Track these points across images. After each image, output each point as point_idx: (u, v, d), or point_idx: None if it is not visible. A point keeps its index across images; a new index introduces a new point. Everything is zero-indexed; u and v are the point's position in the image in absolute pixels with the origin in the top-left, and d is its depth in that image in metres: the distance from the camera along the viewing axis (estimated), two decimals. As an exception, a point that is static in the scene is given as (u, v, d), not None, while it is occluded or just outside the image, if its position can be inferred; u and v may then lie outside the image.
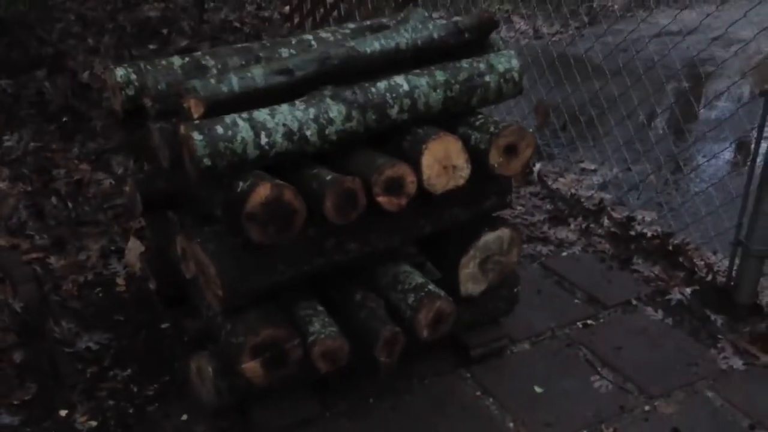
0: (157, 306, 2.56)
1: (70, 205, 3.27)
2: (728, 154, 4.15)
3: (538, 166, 3.67)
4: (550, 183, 3.55)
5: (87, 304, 2.69)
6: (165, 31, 5.61)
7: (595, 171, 3.76)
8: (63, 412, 2.21)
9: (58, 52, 4.98)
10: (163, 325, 2.58)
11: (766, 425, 2.15)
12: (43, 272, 2.80)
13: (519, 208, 3.32)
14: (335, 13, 4.97)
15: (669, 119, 4.63)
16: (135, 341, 2.52)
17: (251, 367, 1.92)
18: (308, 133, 1.89)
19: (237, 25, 6.01)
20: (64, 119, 4.15)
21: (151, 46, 5.31)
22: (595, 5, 6.73)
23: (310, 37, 2.23)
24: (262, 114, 1.85)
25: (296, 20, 5.41)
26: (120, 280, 2.82)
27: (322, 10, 5.08)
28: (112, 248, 2.99)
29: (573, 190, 3.47)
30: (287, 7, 5.83)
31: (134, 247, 2.92)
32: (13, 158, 3.67)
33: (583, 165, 3.81)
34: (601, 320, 2.62)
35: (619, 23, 4.92)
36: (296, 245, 1.96)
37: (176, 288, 2.44)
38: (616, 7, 6.64)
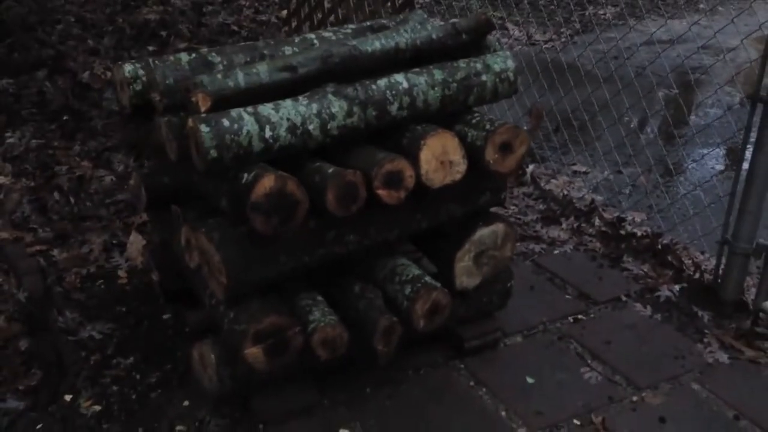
0: (159, 298, 2.62)
1: (72, 200, 3.33)
2: (716, 158, 4.25)
3: (531, 167, 3.75)
4: (542, 184, 3.63)
5: (90, 296, 2.75)
6: (164, 33, 5.68)
7: (586, 173, 3.84)
8: (67, 398, 2.26)
9: (58, 53, 5.04)
10: (165, 316, 2.64)
11: (750, 416, 2.22)
12: (47, 264, 2.86)
13: (512, 207, 3.40)
14: (332, 18, 5.04)
15: (659, 124, 4.73)
16: (137, 331, 2.57)
17: (253, 353, 1.98)
18: (311, 127, 1.95)
19: (235, 28, 6.08)
20: (65, 118, 4.21)
21: (150, 48, 5.38)
22: (587, 13, 6.84)
23: (313, 36, 2.30)
24: (266, 108, 1.92)
25: (294, 24, 5.47)
26: (122, 273, 2.88)
27: (319, 14, 5.14)
28: (114, 242, 3.05)
29: (565, 191, 3.55)
30: (285, 12, 5.90)
31: (136, 241, 2.98)
32: (16, 155, 3.74)
33: (575, 167, 3.90)
34: (592, 315, 2.70)
35: (611, 31, 5.02)
36: (298, 236, 2.03)
37: (178, 281, 2.50)
38: (608, 15, 6.76)
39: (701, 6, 7.41)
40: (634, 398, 2.29)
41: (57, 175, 3.54)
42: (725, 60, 4.10)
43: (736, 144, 4.00)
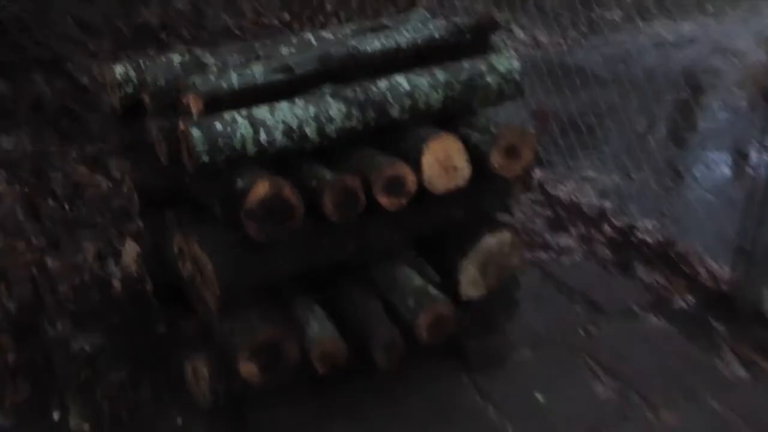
0: (153, 307, 2.54)
1: (66, 206, 3.26)
2: (729, 162, 4.14)
3: (538, 173, 3.66)
4: (550, 190, 3.54)
5: (82, 305, 2.67)
6: (163, 36, 5.61)
7: (595, 178, 3.74)
8: (56, 415, 2.18)
9: (55, 54, 4.97)
10: (159, 327, 2.55)
11: (770, 433, 2.13)
12: (39, 273, 2.78)
13: (519, 214, 3.31)
14: (334, 21, 4.97)
15: (669, 128, 4.63)
16: (130, 343, 2.49)
17: (248, 367, 1.90)
18: (308, 130, 1.88)
19: (236, 31, 6.01)
20: (62, 122, 4.14)
21: (150, 51, 5.31)
22: (594, 16, 6.75)
23: (311, 35, 2.23)
24: (261, 111, 1.84)
25: (296, 28, 5.41)
26: (116, 282, 2.80)
27: (321, 17, 5.09)
28: (109, 250, 2.97)
29: (573, 197, 3.45)
30: (286, 14, 5.84)
31: (130, 249, 2.91)
32: (10, 159, 3.66)
33: (583, 172, 3.80)
34: (603, 327, 2.59)
35: (618, 33, 4.94)
36: (294, 243, 1.94)
37: (172, 289, 2.41)
38: (615, 17, 6.67)
39: (709, 8, 7.32)
40: (649, 415, 2.19)
41: (52, 181, 3.46)
42: (735, 61, 4.01)
43: (748, 147, 3.90)
